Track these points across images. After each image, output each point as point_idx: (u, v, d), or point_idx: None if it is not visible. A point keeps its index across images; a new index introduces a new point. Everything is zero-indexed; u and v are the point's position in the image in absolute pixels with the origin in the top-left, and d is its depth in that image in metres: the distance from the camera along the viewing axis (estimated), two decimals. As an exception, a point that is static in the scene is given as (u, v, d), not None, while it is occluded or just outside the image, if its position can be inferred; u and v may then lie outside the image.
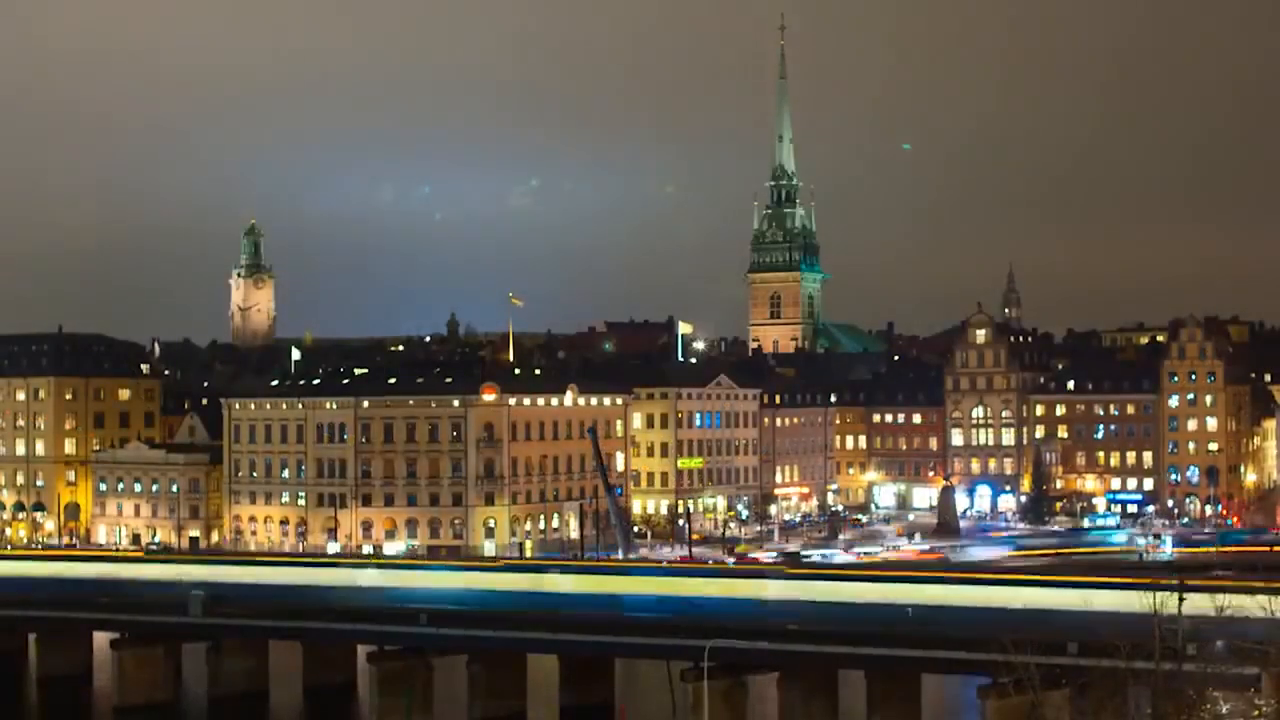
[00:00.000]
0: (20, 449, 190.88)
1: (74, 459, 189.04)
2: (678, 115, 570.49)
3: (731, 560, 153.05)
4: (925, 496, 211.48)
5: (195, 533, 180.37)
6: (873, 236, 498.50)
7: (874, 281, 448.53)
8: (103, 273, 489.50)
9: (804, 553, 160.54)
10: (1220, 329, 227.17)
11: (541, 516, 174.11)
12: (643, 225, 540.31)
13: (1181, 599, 78.15)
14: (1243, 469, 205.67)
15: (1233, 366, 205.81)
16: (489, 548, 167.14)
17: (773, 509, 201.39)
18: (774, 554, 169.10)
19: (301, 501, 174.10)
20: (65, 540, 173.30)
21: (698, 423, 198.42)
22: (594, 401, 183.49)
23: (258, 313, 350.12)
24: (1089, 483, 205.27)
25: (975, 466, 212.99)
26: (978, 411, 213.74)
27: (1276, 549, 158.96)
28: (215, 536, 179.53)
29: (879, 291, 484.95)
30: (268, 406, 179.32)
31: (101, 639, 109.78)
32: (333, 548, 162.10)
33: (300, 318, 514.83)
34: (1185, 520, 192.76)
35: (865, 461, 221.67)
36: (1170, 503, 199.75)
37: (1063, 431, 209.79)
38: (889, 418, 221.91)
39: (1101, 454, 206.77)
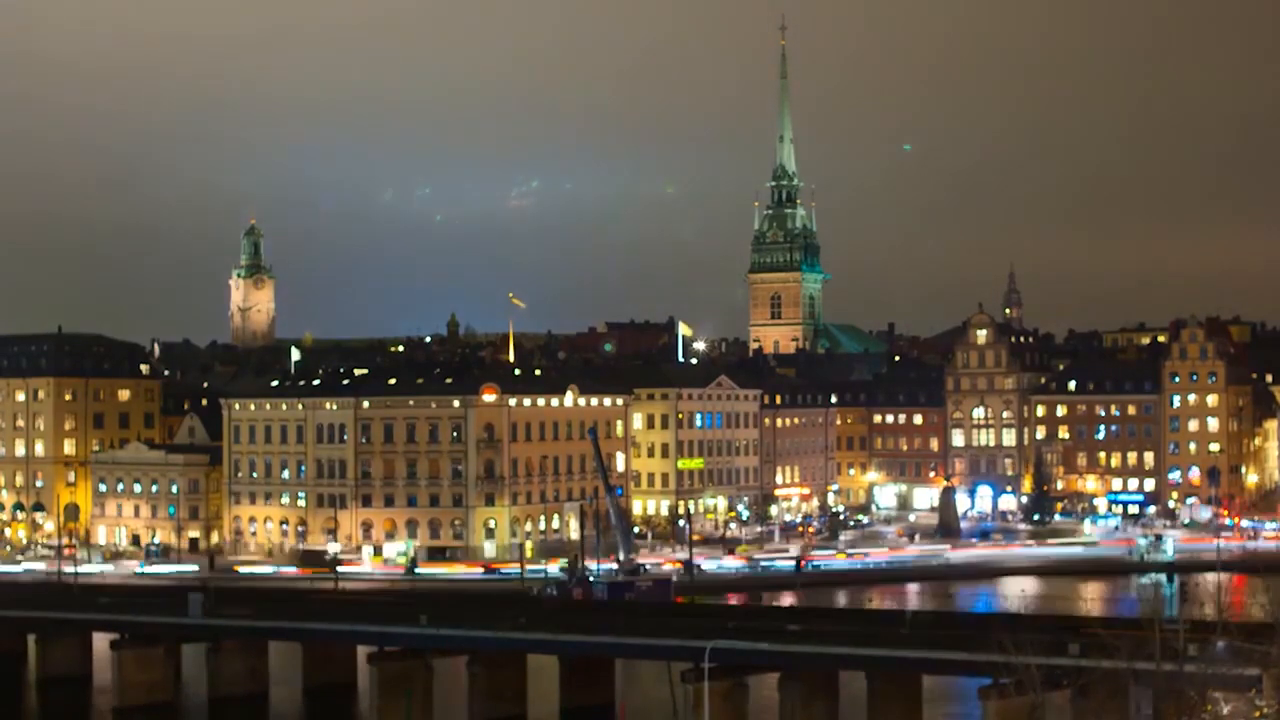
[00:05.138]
0: (20, 449, 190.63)
1: (73, 459, 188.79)
2: (678, 115, 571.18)
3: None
4: (926, 497, 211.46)
5: (195, 533, 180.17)
6: (873, 236, 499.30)
7: (874, 282, 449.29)
8: (103, 273, 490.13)
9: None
10: (1221, 329, 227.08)
11: (542, 517, 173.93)
12: (643, 225, 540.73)
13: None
14: (1244, 469, 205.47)
15: (1234, 367, 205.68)
16: (489, 549, 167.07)
17: (773, 510, 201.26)
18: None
19: (301, 502, 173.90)
20: (65, 541, 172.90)
21: (698, 423, 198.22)
22: (594, 402, 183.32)
23: (258, 313, 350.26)
24: (1090, 483, 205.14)
25: (976, 467, 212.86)
26: (979, 412, 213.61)
27: None
28: (215, 537, 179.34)
29: (879, 292, 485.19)
30: (268, 407, 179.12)
31: (101, 639, 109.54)
32: (333, 548, 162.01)
33: (300, 318, 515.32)
34: (1186, 521, 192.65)
35: (866, 462, 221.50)
36: (1171, 503, 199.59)
37: (1064, 432, 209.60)
38: (890, 418, 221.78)
39: (1102, 454, 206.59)
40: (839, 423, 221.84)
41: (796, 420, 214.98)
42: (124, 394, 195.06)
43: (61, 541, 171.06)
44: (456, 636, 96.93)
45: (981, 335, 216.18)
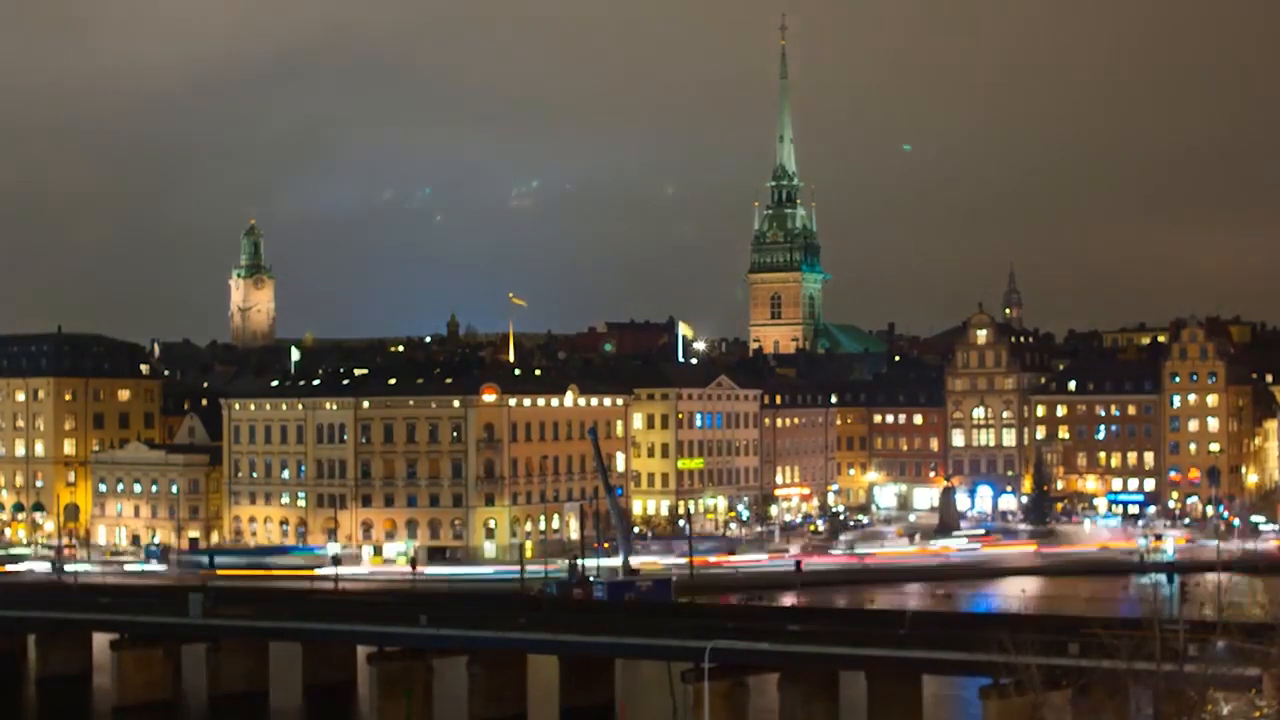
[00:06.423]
0: (20, 450, 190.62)
1: (73, 460, 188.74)
2: (678, 115, 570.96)
3: None
4: (926, 497, 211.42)
5: (195, 533, 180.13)
6: (873, 236, 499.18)
7: (874, 281, 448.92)
8: (103, 273, 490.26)
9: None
10: (1222, 329, 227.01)
11: (542, 517, 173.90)
12: (643, 225, 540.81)
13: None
14: (1244, 470, 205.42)
15: (1234, 367, 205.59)
16: (489, 549, 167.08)
17: (773, 510, 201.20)
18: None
19: (301, 502, 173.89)
20: (65, 541, 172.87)
21: (698, 423, 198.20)
22: (594, 402, 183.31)
23: (258, 313, 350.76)
24: (1090, 483, 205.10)
25: (976, 467, 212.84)
26: (979, 412, 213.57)
27: None
28: (215, 537, 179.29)
29: (879, 292, 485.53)
30: (268, 407, 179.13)
31: (101, 639, 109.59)
32: (333, 548, 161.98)
33: (300, 318, 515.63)
34: (1187, 521, 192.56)
35: (866, 462, 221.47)
36: (1171, 503, 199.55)
37: (1064, 432, 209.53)
38: (890, 418, 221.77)
39: (1103, 454, 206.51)
40: (839, 423, 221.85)
41: (796, 420, 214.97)
42: (124, 394, 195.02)
43: (61, 541, 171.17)
44: (456, 636, 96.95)
45: (981, 335, 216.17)
